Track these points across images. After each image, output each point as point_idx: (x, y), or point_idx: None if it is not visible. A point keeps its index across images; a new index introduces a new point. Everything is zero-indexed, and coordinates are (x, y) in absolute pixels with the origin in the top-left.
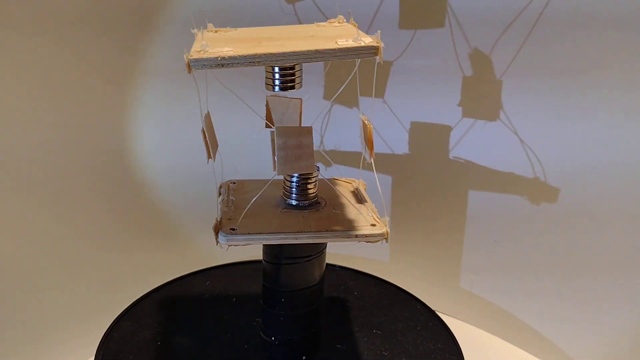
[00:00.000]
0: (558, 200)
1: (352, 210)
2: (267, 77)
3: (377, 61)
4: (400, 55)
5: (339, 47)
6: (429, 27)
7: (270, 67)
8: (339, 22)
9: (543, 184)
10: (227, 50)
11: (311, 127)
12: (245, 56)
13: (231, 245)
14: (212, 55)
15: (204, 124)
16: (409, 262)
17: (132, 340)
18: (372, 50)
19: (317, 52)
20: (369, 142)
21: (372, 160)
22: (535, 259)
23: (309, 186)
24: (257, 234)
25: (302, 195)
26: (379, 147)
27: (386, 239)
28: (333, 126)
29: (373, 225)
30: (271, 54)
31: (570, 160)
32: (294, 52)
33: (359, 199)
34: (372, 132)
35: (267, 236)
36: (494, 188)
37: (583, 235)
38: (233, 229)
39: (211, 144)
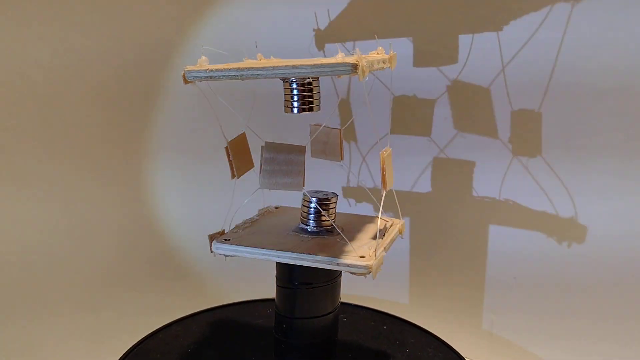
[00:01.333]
0: (580, 239)
1: (357, 242)
2: (285, 100)
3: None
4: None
5: (315, 62)
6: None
7: (289, 88)
8: (377, 53)
9: (565, 220)
10: (216, 65)
11: (304, 146)
12: (230, 69)
13: (221, 255)
14: (202, 68)
15: (227, 141)
16: (427, 305)
17: None
18: (349, 67)
19: (294, 67)
20: (382, 173)
21: (383, 191)
22: (557, 297)
23: (322, 213)
24: (244, 246)
25: (315, 221)
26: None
27: (371, 272)
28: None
29: (362, 257)
30: (253, 68)
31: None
32: (273, 67)
33: (378, 235)
34: (384, 163)
35: (253, 250)
36: (513, 224)
37: (608, 273)
38: (227, 240)
39: (241, 163)
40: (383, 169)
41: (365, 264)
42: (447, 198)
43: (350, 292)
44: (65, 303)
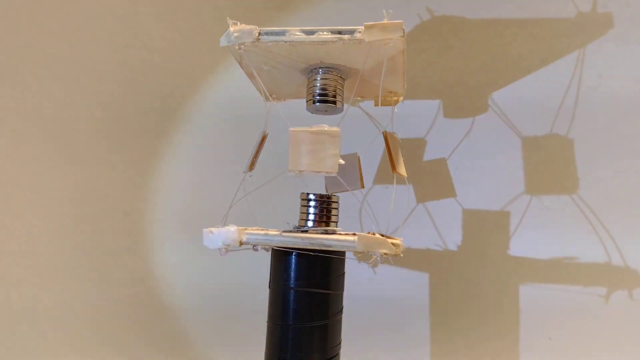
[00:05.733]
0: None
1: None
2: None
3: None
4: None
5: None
6: None
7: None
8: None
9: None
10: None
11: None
12: None
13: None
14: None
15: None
16: None
17: None
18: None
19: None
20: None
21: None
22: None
23: (310, 209)
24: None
25: (302, 217)
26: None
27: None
28: None
29: (353, 234)
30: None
31: None
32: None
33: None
34: (389, 143)
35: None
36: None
37: None
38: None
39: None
40: (389, 149)
41: (353, 238)
42: (471, 253)
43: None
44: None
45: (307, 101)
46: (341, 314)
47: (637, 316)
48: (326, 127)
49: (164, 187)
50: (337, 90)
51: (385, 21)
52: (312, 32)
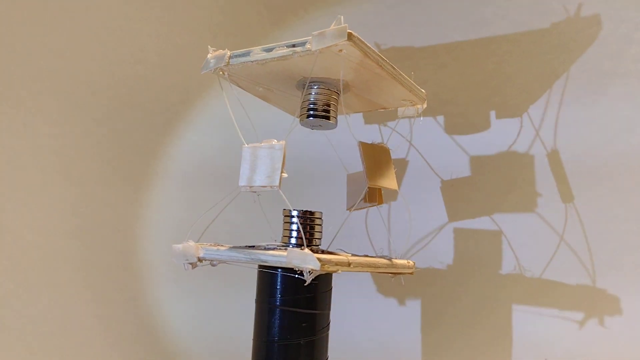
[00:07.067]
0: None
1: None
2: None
3: None
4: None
5: None
6: None
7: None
8: None
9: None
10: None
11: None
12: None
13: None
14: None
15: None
16: None
17: None
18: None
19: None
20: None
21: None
22: None
23: (293, 226)
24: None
25: (285, 234)
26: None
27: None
28: None
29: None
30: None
31: None
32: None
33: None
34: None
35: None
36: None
37: None
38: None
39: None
40: (362, 160)
41: (284, 254)
42: (463, 273)
43: None
44: None
45: (300, 116)
46: (327, 329)
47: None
48: (274, 142)
49: (157, 203)
50: (330, 104)
51: (331, 27)
52: (271, 49)
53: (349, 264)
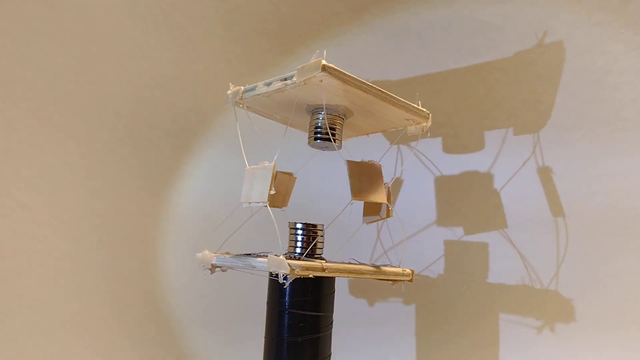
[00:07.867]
0: None
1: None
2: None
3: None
4: None
5: None
6: None
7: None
8: None
9: None
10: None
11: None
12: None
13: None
14: None
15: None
16: None
17: None
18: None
19: None
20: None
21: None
22: None
23: (298, 237)
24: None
25: (290, 245)
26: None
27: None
28: None
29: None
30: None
31: None
32: None
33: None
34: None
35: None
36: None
37: None
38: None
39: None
40: (349, 176)
41: (265, 260)
42: (456, 283)
43: None
44: None
45: (308, 139)
46: (331, 328)
47: None
48: (266, 164)
49: (176, 217)
50: (336, 127)
51: (310, 62)
52: (269, 83)
53: (323, 269)
